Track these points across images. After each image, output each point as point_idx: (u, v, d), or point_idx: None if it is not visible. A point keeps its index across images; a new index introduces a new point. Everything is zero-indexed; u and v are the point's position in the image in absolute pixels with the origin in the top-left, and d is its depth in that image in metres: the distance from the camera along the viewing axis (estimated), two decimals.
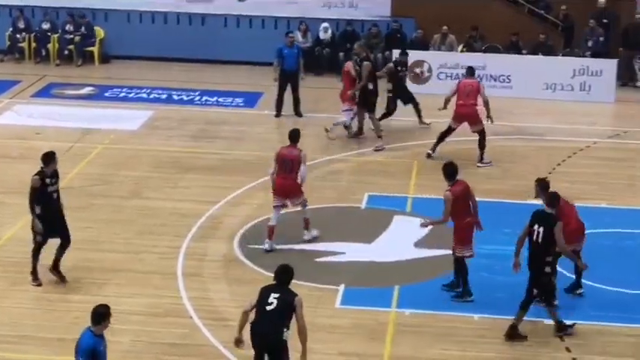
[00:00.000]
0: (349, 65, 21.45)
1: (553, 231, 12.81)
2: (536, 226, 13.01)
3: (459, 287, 14.58)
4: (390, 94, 22.21)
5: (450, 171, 14.35)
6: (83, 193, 17.93)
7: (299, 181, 15.91)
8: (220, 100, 24.67)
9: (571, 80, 25.21)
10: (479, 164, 19.75)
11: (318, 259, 15.56)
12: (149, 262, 15.46)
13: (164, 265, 15.33)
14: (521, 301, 13.21)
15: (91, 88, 25.27)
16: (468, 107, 20.02)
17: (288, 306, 10.93)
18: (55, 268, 14.37)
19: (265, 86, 24.44)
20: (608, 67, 25.17)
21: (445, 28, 26.53)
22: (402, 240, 16.35)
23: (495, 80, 25.16)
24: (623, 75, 26.26)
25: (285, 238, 15.96)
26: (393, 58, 24.12)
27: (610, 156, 20.98)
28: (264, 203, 17.66)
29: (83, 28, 27.72)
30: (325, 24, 27.41)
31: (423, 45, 26.79)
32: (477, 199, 14.57)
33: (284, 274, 11.20)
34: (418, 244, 16.16)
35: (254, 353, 11.11)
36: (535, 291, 13.08)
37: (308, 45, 26.97)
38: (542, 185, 13.88)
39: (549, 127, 22.65)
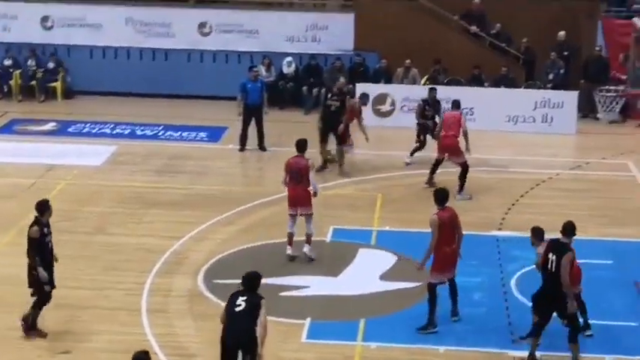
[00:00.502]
0: (354, 102, 21.93)
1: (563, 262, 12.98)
2: (550, 255, 13.15)
3: (456, 315, 14.65)
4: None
5: (441, 196, 14.47)
6: None
7: (310, 190, 16.43)
8: (184, 134, 24.64)
9: (533, 112, 25.45)
10: (457, 196, 19.71)
11: (282, 294, 15.52)
12: (114, 298, 15.36)
13: (129, 302, 15.23)
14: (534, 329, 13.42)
15: (54, 124, 25.17)
16: (449, 139, 20.24)
17: (255, 306, 11.75)
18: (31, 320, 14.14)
19: (229, 121, 24.45)
20: (569, 99, 25.45)
21: (408, 61, 26.72)
22: (367, 273, 16.35)
23: None
24: (584, 107, 26.53)
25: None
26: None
27: (572, 187, 21.16)
28: (228, 238, 17.66)
29: (50, 64, 27.66)
30: (289, 58, 27.52)
31: (387, 75, 26.97)
32: None
33: (251, 280, 12.00)
34: (383, 277, 16.17)
35: (227, 354, 11.70)
36: (562, 318, 13.24)
37: (272, 79, 27.05)
38: (535, 232, 13.93)
39: (512, 158, 22.83)
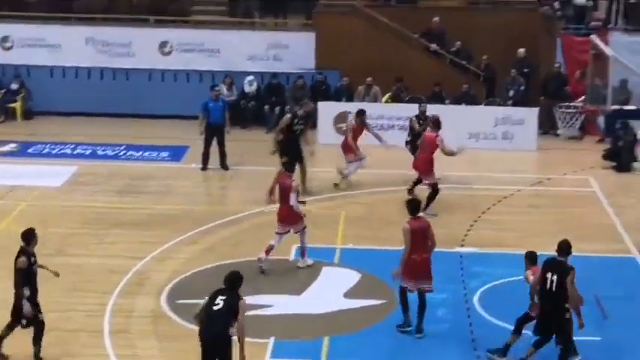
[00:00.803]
0: (354, 120, 22.23)
1: (566, 279, 13.07)
2: (549, 275, 13.19)
3: (421, 332, 14.74)
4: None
5: (413, 206, 14.83)
6: (8, 251, 17.52)
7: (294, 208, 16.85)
8: (146, 154, 24.54)
9: (494, 129, 25.63)
10: (422, 213, 19.65)
11: (246, 313, 15.41)
12: (76, 320, 15.22)
13: (91, 323, 15.09)
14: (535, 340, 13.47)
15: (13, 145, 24.96)
16: (418, 160, 20.45)
17: (233, 307, 12.19)
18: None
19: (191, 140, 24.37)
20: (530, 115, 25.64)
21: (369, 79, 26.81)
22: (331, 291, 16.33)
23: None
24: (544, 123, 26.73)
25: (209, 292, 15.80)
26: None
27: (534, 203, 21.28)
28: (191, 257, 17.58)
29: (14, 85, 27.47)
30: (250, 77, 27.52)
31: (349, 93, 27.05)
32: (397, 247, 14.84)
33: (232, 280, 12.48)
34: (347, 295, 16.16)
35: (202, 351, 12.18)
36: (557, 339, 13.34)
37: (233, 98, 27.03)
38: (530, 257, 14.00)
39: (474, 175, 22.92)
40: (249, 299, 15.60)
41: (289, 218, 16.93)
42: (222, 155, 23.17)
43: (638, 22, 28.10)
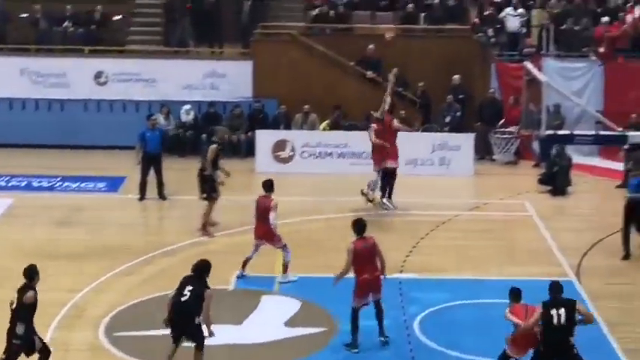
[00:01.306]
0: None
1: (576, 309, 13.27)
2: (554, 311, 13.23)
3: (384, 335, 15.03)
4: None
5: (359, 227, 15.08)
6: None
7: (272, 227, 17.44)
8: (82, 185, 24.31)
9: (431, 155, 25.82)
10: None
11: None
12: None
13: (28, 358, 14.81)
14: None
15: None
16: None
17: (199, 297, 13.09)
18: None
19: (128, 170, 24.20)
20: (466, 141, 25.89)
21: (307, 107, 26.90)
22: (271, 320, 16.26)
23: (358, 157, 25.53)
24: (480, 149, 27.01)
25: (148, 324, 15.69)
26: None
27: (472, 228, 21.43)
28: (129, 289, 17.40)
29: None
30: (187, 106, 27.45)
31: (287, 121, 27.09)
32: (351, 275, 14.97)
33: (200, 269, 13.44)
34: (288, 323, 16.10)
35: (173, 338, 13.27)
36: None
37: (170, 128, 26.92)
38: (515, 294, 13.97)
39: (412, 201, 23.01)
40: None
41: (267, 237, 17.67)
42: (160, 185, 23.03)
43: (569, 48, 28.57)
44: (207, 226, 20.62)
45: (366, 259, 14.81)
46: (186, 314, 13.21)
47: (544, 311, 13.40)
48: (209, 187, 20.59)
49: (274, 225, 17.49)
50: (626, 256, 19.35)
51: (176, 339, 13.46)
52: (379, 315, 15.05)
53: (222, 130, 21.96)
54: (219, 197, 20.74)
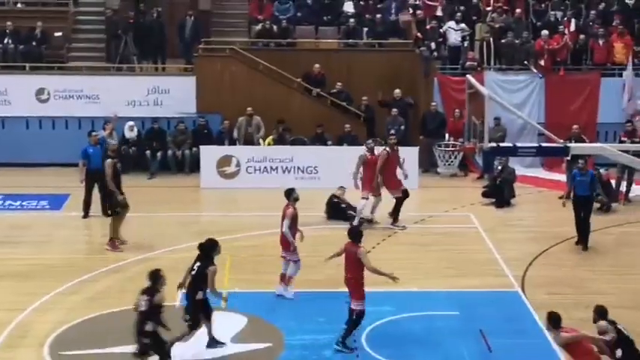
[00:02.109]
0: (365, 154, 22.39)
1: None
2: (620, 326, 13.61)
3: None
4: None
5: (356, 232, 15.86)
6: None
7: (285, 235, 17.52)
8: (24, 203, 24.02)
9: None
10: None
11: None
12: None
13: None
14: None
15: None
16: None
17: (202, 275, 14.71)
18: None
19: (71, 188, 23.95)
20: (411, 154, 25.97)
21: (249, 109, 26.81)
22: (218, 336, 16.14)
23: (303, 172, 25.58)
24: (424, 162, 27.15)
25: (93, 342, 15.54)
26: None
27: (418, 241, 21.51)
28: (73, 308, 17.19)
29: None
30: (130, 122, 27.27)
31: (231, 137, 27.02)
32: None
33: (205, 248, 14.93)
34: (235, 339, 16.01)
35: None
36: None
37: (114, 144, 26.69)
38: (555, 320, 13.87)
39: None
40: (134, 348, 15.43)
41: (282, 244, 17.64)
42: (104, 201, 22.73)
43: (510, 61, 28.88)
44: (115, 241, 20.44)
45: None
46: (193, 288, 14.84)
47: (616, 335, 13.53)
48: (112, 203, 20.48)
49: (285, 234, 17.41)
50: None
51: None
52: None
53: (112, 144, 21.58)
54: (126, 212, 20.57)
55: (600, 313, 13.98)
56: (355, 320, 15.36)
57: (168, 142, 27.14)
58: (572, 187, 21.39)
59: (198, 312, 15.04)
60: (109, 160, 20.57)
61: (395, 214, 22.47)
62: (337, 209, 22.97)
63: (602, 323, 13.76)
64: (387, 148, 22.69)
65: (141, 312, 14.03)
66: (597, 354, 13.47)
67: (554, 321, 13.66)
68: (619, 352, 13.54)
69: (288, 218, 17.42)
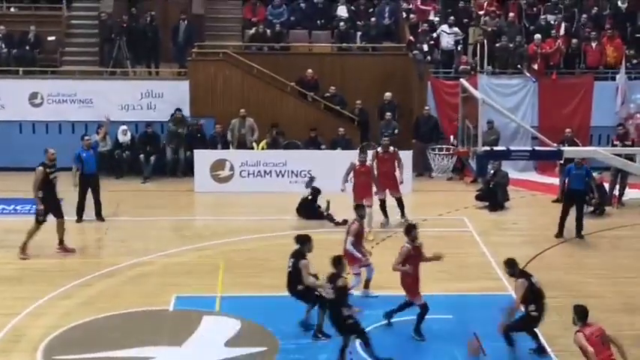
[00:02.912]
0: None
1: None
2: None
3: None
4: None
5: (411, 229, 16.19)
6: None
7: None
8: (18, 207, 23.96)
9: None
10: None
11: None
12: None
13: None
14: None
15: None
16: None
17: (296, 269, 15.68)
18: None
19: (64, 192, 23.84)
20: (404, 158, 25.92)
21: (242, 110, 26.79)
22: (212, 340, 16.14)
23: (297, 176, 25.57)
24: (418, 166, 27.18)
25: (87, 347, 15.52)
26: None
27: None
28: (67, 312, 17.17)
29: None
30: (123, 126, 27.24)
31: (224, 140, 27.00)
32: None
33: (298, 242, 15.92)
34: (228, 344, 16.00)
35: None
36: None
37: (107, 148, 26.70)
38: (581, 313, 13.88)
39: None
40: (129, 352, 15.44)
41: (346, 258, 16.84)
42: (98, 205, 22.75)
43: (503, 65, 28.91)
44: (26, 248, 20.15)
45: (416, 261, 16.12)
46: (290, 282, 15.76)
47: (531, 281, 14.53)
48: (39, 210, 20.13)
49: (349, 250, 17.14)
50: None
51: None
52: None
53: (50, 151, 21.23)
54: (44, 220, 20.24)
55: (510, 264, 15.45)
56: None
57: (165, 135, 27.02)
58: (563, 181, 21.52)
59: (312, 297, 15.79)
60: (39, 168, 20.20)
61: (401, 210, 22.81)
62: (309, 208, 22.90)
63: (520, 280, 15.03)
64: (378, 149, 22.70)
65: (331, 300, 14.92)
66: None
67: (577, 315, 13.77)
68: (532, 307, 14.85)
69: (352, 235, 17.27)
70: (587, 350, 13.07)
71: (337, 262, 15.10)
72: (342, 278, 14.92)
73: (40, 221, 20.13)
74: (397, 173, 22.88)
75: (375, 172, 22.43)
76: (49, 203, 20.20)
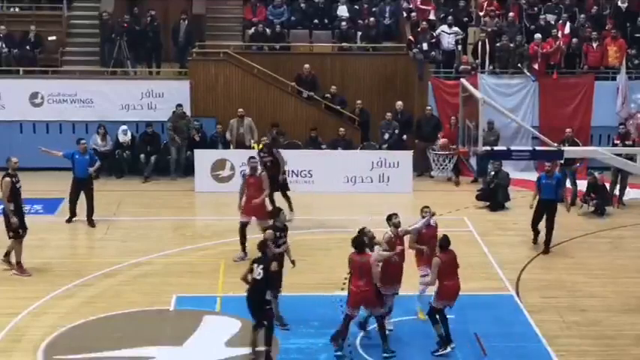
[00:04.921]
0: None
1: None
2: None
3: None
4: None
5: (444, 243, 16.08)
6: None
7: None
8: None
9: (370, 172, 25.88)
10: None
11: None
12: None
13: None
14: None
15: None
16: None
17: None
18: None
19: (65, 192, 23.88)
20: (405, 158, 26.01)
21: (241, 110, 26.73)
22: (212, 340, 16.17)
23: (297, 176, 25.56)
24: (419, 166, 27.17)
25: (88, 347, 15.53)
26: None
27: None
28: (68, 312, 17.18)
29: None
30: (124, 127, 27.23)
31: (224, 140, 26.98)
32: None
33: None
34: (229, 343, 16.03)
35: None
36: None
37: (108, 148, 26.71)
38: None
39: (351, 219, 22.97)
40: (129, 352, 15.46)
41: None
42: (90, 210, 22.47)
43: (504, 65, 28.89)
44: (22, 266, 19.23)
45: (448, 269, 15.75)
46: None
47: None
48: (10, 225, 19.06)
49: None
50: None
51: None
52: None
53: (12, 160, 19.84)
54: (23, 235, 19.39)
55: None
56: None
57: (168, 127, 26.95)
58: (537, 190, 21.42)
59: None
60: (6, 179, 19.22)
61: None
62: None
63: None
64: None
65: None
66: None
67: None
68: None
69: (374, 267, 16.04)
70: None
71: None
72: (274, 262, 15.34)
73: (20, 236, 19.23)
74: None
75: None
76: (18, 215, 19.28)
